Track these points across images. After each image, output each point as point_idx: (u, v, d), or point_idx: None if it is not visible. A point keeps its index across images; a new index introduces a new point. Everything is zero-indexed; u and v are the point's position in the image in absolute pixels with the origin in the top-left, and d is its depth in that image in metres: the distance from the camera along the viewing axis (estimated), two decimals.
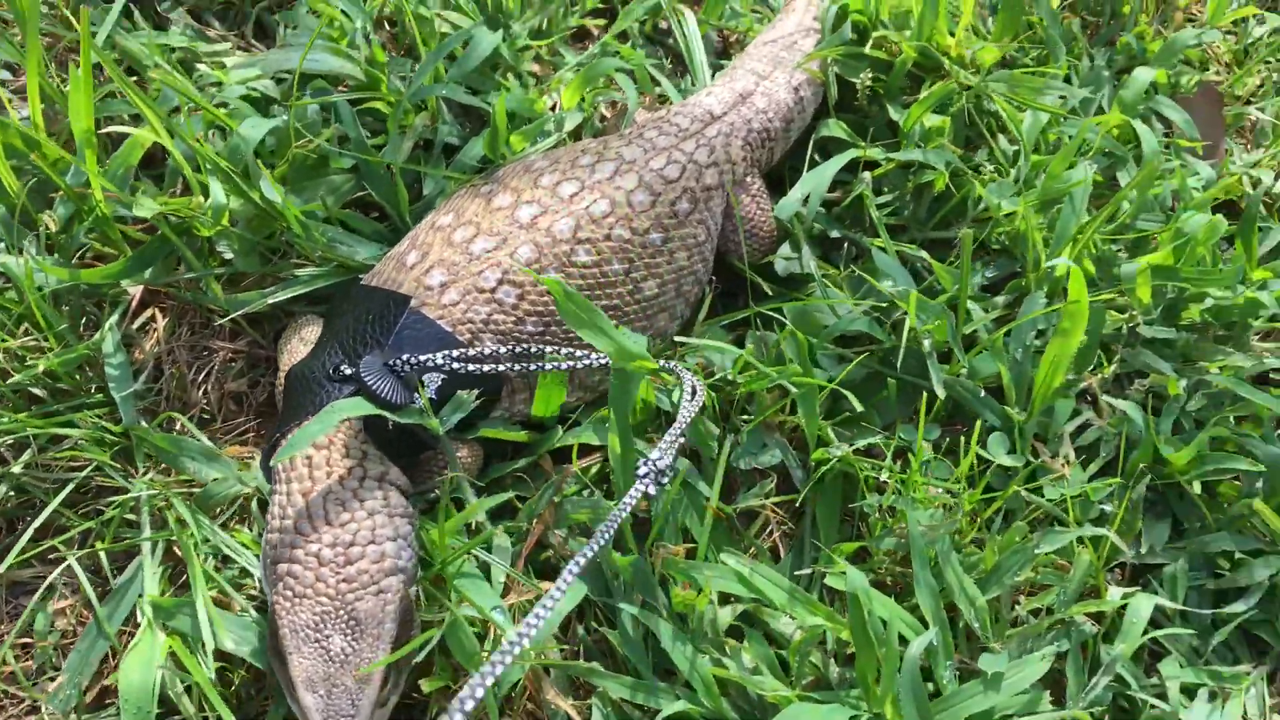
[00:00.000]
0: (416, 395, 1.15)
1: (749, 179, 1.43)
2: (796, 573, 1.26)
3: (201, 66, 1.54)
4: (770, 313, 1.38)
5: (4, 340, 1.27)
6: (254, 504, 1.26)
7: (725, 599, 1.21)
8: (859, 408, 1.29)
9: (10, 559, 1.20)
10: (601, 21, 1.72)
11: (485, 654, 1.13)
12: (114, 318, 1.33)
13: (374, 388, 1.13)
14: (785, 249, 1.44)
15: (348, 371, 1.16)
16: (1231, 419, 1.33)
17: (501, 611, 1.16)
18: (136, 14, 1.59)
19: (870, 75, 1.51)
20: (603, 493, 1.28)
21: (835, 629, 1.16)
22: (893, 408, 1.34)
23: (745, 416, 1.33)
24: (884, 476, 1.23)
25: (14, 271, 1.29)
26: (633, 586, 1.20)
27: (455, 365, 1.16)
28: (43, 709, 1.15)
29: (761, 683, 1.13)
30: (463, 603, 1.15)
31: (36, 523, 1.22)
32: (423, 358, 1.15)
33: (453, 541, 1.18)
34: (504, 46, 1.53)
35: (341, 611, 1.06)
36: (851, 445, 1.27)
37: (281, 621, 1.07)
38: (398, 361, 1.15)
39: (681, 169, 1.36)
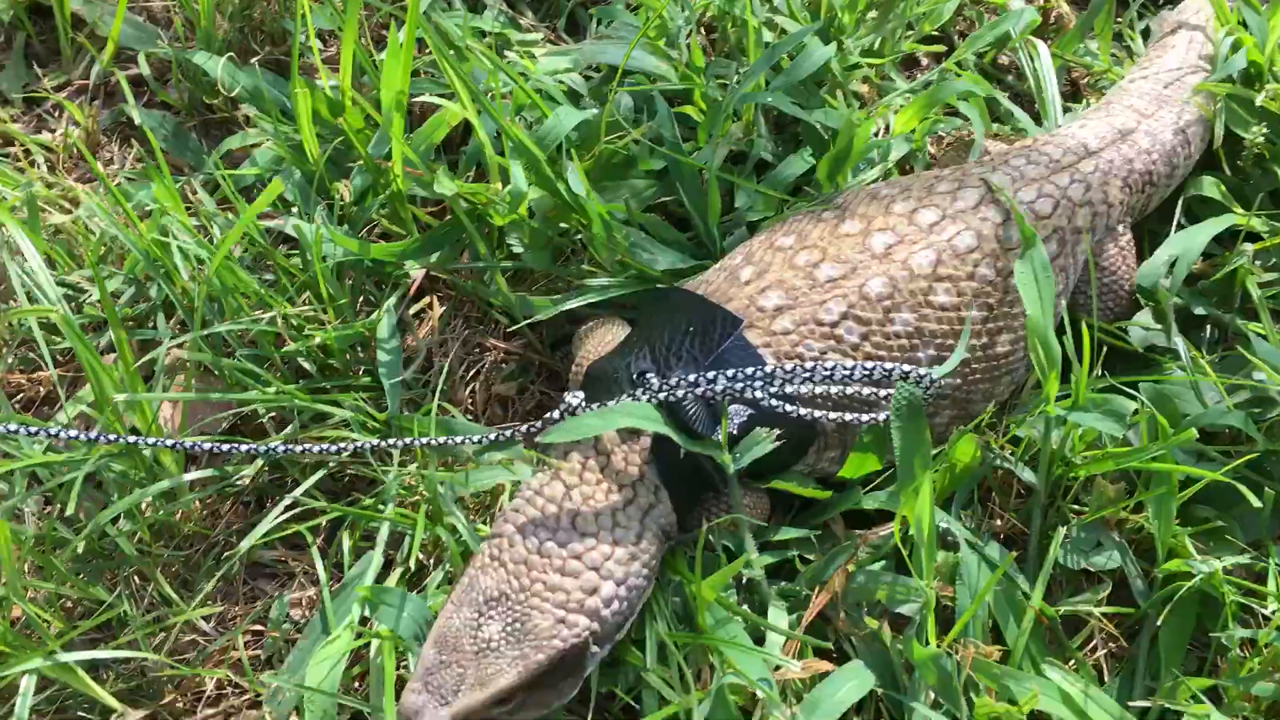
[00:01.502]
0: (718, 426, 1.01)
1: (1120, 228, 1.24)
2: (1129, 703, 1.04)
3: (511, 54, 1.46)
4: (1123, 385, 1.16)
5: (284, 306, 1.20)
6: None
7: (1038, 718, 1.01)
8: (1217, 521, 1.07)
9: (253, 538, 1.11)
10: (938, 48, 1.56)
11: None
12: (392, 299, 1.25)
13: (678, 408, 0.99)
14: (1145, 317, 1.23)
15: (654, 381, 1.03)
16: None
17: (770, 685, 0.99)
18: None
19: (1264, 130, 1.29)
20: (896, 568, 1.10)
21: None
22: (1263, 524, 1.11)
23: (1078, 506, 1.13)
24: (1271, 608, 1.00)
25: (305, 237, 1.22)
26: (929, 685, 1.01)
27: (774, 403, 1.01)
28: (264, 708, 1.05)
29: None
30: (729, 670, 1.00)
31: (286, 500, 1.13)
32: (738, 384, 1.00)
33: (720, 598, 1.03)
34: (835, 61, 1.39)
35: (518, 608, 0.95)
36: (1220, 561, 1.05)
37: (468, 572, 0.99)
38: (712, 384, 1.01)
39: (1054, 204, 1.17)
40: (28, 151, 1.42)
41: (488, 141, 1.24)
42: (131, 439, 1.07)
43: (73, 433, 1.03)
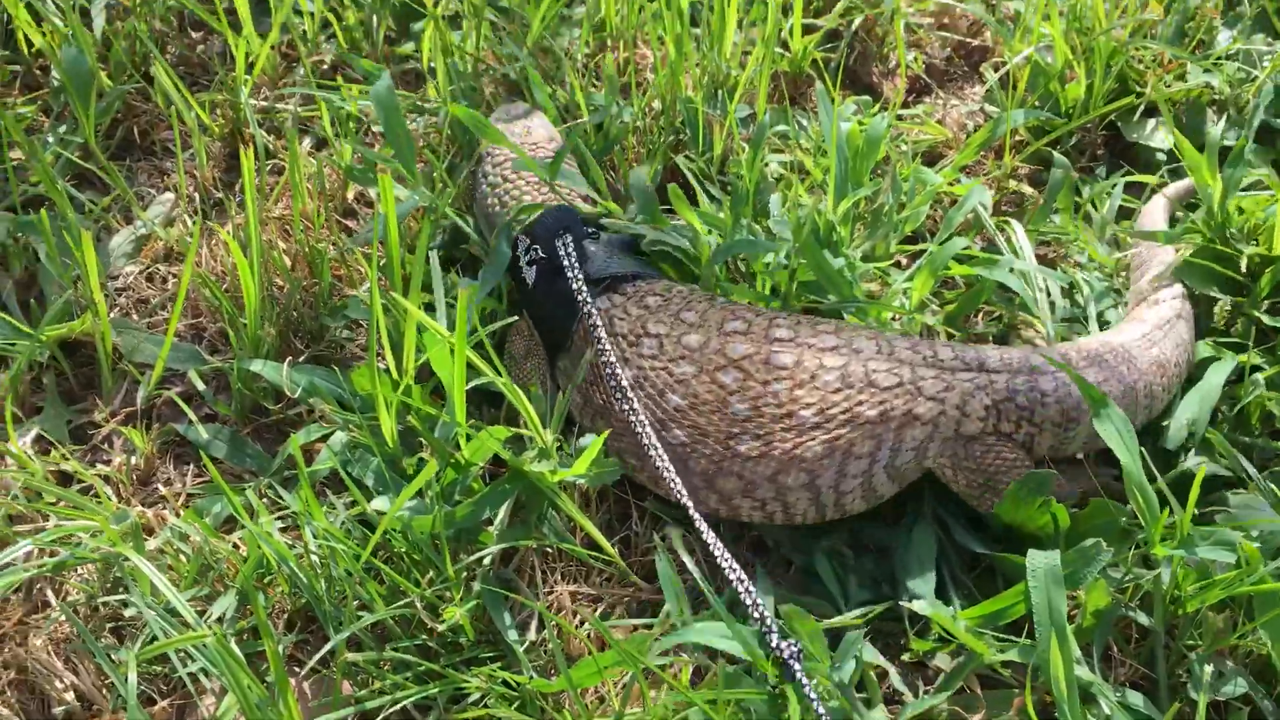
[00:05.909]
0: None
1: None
2: None
3: None
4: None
5: (419, 590, 1.21)
6: None
7: None
8: None
9: None
10: (920, 246, 1.70)
11: None
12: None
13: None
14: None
15: None
16: None
17: None
18: None
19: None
20: None
21: None
22: None
23: (1190, 641, 1.19)
24: None
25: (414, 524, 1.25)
26: None
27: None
28: None
29: None
30: None
31: None
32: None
33: None
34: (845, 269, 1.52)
35: None
36: None
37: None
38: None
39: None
40: (89, 488, 1.42)
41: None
42: None
43: None
